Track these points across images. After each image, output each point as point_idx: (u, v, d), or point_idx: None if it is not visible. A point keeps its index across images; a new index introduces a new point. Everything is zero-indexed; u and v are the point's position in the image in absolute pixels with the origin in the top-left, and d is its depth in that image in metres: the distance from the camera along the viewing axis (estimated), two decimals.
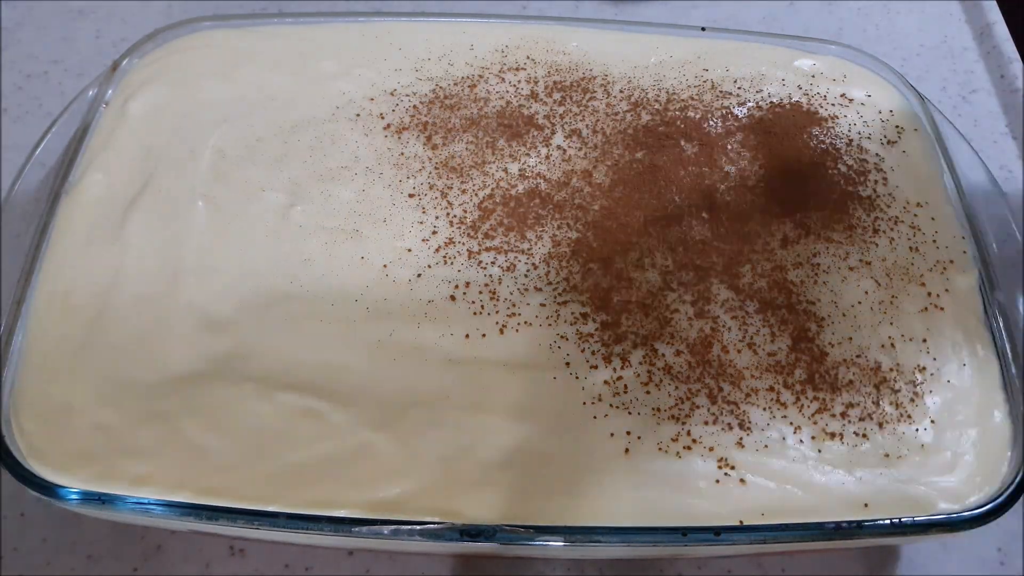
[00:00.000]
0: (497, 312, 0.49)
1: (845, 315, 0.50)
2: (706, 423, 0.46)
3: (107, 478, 0.43)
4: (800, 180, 0.55)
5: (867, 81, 0.62)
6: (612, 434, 0.45)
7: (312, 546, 0.52)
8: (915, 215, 0.54)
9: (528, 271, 0.51)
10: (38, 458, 0.43)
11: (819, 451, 0.45)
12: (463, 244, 0.52)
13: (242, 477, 0.43)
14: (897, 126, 0.59)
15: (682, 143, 0.57)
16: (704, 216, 0.53)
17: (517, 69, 0.61)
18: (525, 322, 0.49)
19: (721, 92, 0.60)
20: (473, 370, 0.47)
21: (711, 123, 0.58)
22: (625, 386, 0.47)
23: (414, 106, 0.59)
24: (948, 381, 0.48)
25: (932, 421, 0.46)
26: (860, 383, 0.47)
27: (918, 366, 0.48)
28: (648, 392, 0.46)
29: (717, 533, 0.42)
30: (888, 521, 0.43)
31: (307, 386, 0.46)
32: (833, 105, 0.60)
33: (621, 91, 0.60)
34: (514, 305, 0.49)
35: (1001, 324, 0.50)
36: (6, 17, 0.79)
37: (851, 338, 0.49)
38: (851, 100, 0.61)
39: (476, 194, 0.54)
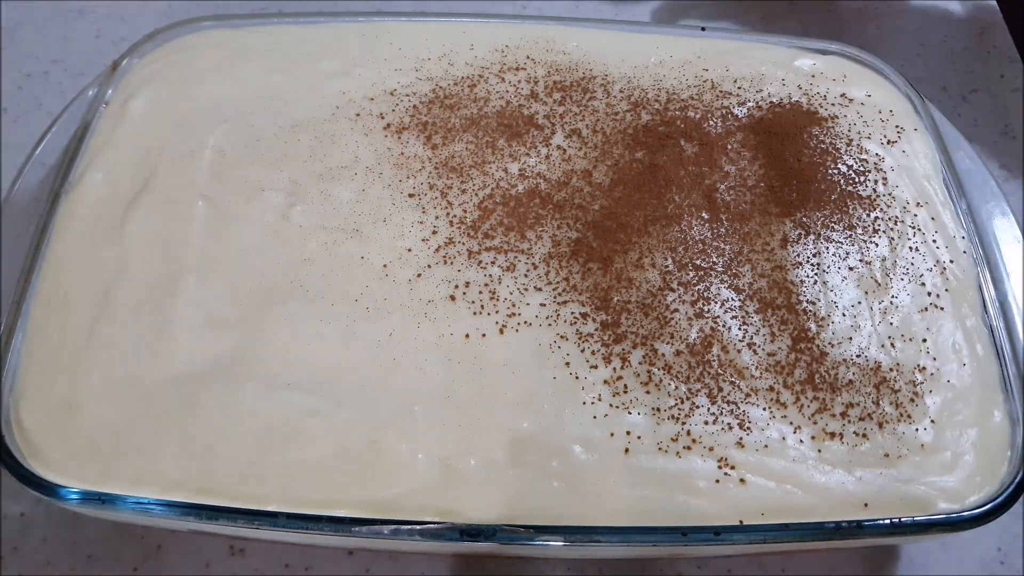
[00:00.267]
0: (497, 312, 0.49)
1: (845, 315, 0.50)
2: (706, 423, 0.46)
3: (107, 478, 0.43)
4: (800, 180, 0.55)
5: (867, 81, 0.62)
6: (612, 434, 0.45)
7: (312, 546, 0.52)
8: (915, 215, 0.54)
9: (528, 271, 0.51)
10: (38, 458, 0.43)
11: (819, 451, 0.45)
12: (463, 244, 0.52)
13: (242, 477, 0.43)
14: (897, 126, 0.59)
15: (682, 143, 0.57)
16: (704, 216, 0.53)
17: (517, 69, 0.61)
18: (525, 322, 0.49)
19: (721, 92, 0.60)
20: (473, 370, 0.47)
21: (711, 123, 0.58)
22: (625, 386, 0.47)
23: (414, 106, 0.59)
24: (948, 381, 0.48)
25: (932, 421, 0.46)
26: (860, 383, 0.47)
27: (918, 366, 0.48)
28: (648, 392, 0.46)
29: (717, 533, 0.42)
30: (888, 521, 0.43)
31: (307, 386, 0.46)
32: (833, 105, 0.60)
33: (621, 91, 0.60)
34: (514, 305, 0.49)
35: (1001, 324, 0.50)
36: (6, 17, 0.79)
37: (851, 338, 0.49)
38: (851, 100, 0.61)
39: (476, 194, 0.54)
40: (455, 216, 0.53)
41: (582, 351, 0.48)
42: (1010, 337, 0.49)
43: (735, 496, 0.43)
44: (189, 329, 0.47)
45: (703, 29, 0.65)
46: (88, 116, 0.56)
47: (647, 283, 0.50)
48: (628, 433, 0.45)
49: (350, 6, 0.78)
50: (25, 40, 0.78)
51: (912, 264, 0.52)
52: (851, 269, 0.52)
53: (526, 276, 0.50)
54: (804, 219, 0.54)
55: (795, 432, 0.46)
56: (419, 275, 0.50)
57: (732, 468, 0.44)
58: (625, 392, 0.46)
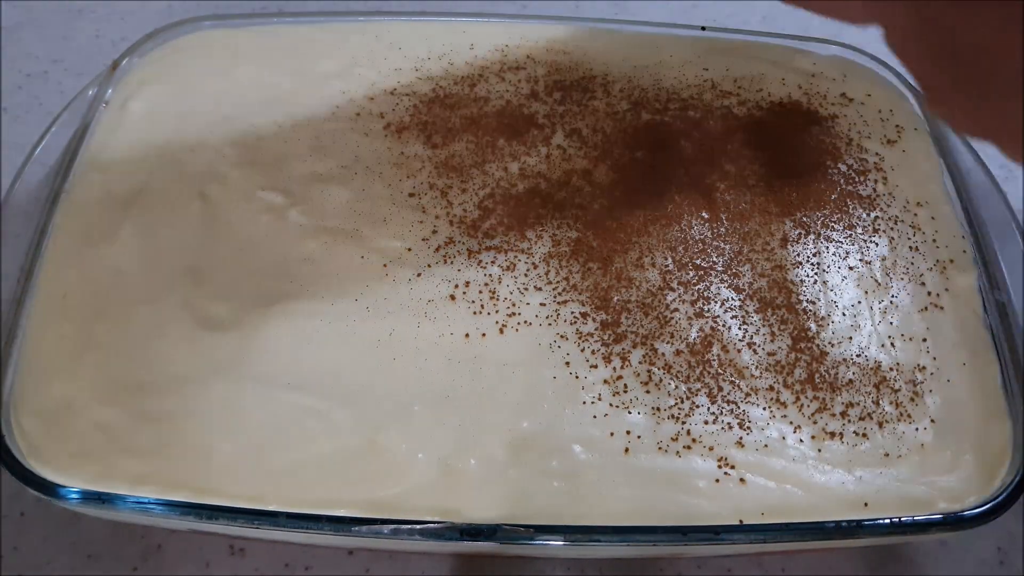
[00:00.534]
0: (497, 312, 0.49)
1: (845, 315, 0.50)
2: (706, 423, 0.46)
3: (107, 477, 0.43)
4: (800, 180, 0.55)
5: (867, 81, 0.62)
6: (612, 433, 0.45)
7: (312, 546, 0.52)
8: (915, 215, 0.54)
9: (528, 270, 0.51)
10: (38, 458, 0.43)
11: (819, 451, 0.45)
12: (463, 243, 0.52)
13: (242, 476, 0.43)
14: (897, 126, 0.59)
15: (682, 143, 0.57)
16: (704, 215, 0.53)
17: (517, 68, 0.61)
18: (525, 322, 0.49)
19: (721, 92, 0.60)
20: (473, 370, 0.47)
21: (711, 123, 0.58)
22: (625, 385, 0.47)
23: (414, 105, 0.59)
24: (948, 381, 0.48)
25: (932, 421, 0.46)
26: (860, 382, 0.47)
27: (918, 366, 0.48)
28: (648, 391, 0.46)
29: (717, 533, 0.42)
30: (888, 521, 0.43)
31: (307, 386, 0.46)
32: (833, 105, 0.60)
33: (621, 90, 0.60)
34: (514, 305, 0.49)
35: (1001, 324, 0.50)
36: (6, 17, 0.79)
37: (851, 338, 0.49)
38: (851, 100, 0.61)
39: (476, 193, 0.54)
40: (455, 216, 0.53)
41: (582, 351, 0.48)
42: (1010, 337, 0.49)
43: (735, 496, 0.43)
44: (188, 328, 0.47)
45: (703, 29, 0.65)
46: (88, 116, 0.56)
47: (647, 283, 0.50)
48: (628, 433, 0.45)
49: (350, 6, 0.78)
50: (25, 40, 0.78)
51: (912, 264, 0.52)
52: (851, 269, 0.52)
53: (526, 276, 0.50)
54: (804, 219, 0.54)
55: (795, 432, 0.46)
56: (419, 275, 0.50)
57: (732, 468, 0.44)
58: (625, 392, 0.46)
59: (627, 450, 0.45)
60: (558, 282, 0.50)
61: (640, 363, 0.47)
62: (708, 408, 0.46)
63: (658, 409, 0.46)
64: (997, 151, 0.28)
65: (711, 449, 0.45)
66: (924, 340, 0.49)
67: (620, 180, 0.55)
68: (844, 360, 0.48)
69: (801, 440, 0.45)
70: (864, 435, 0.46)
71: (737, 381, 0.47)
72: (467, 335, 0.48)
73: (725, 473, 0.44)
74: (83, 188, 0.53)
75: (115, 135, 0.56)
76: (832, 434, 0.46)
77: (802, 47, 0.64)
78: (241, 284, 0.49)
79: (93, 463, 0.43)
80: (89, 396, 0.45)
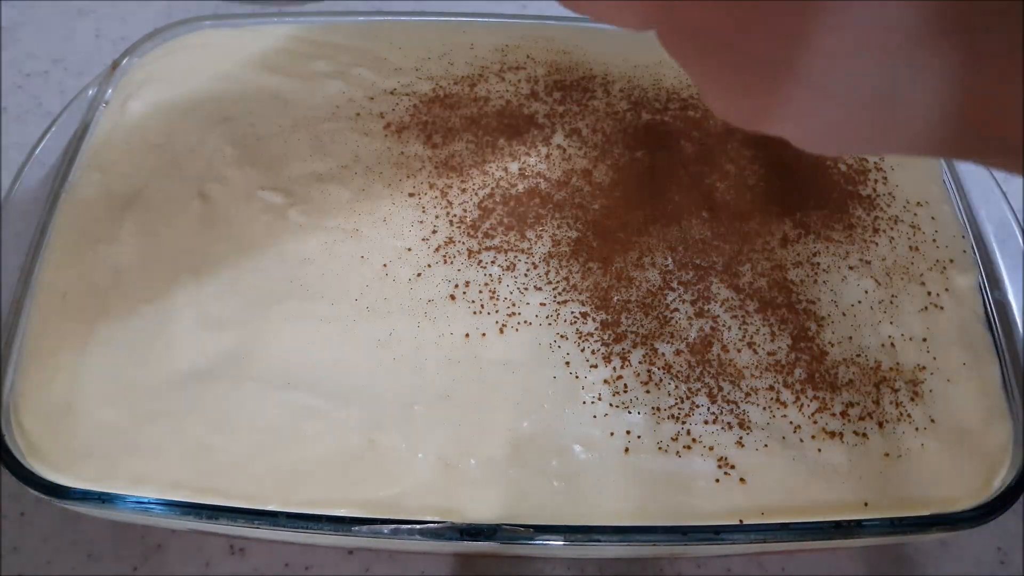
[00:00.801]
0: (497, 312, 0.49)
1: (845, 315, 0.50)
2: (706, 422, 0.46)
3: (107, 477, 0.43)
4: (800, 180, 0.55)
5: None
6: (612, 433, 0.45)
7: (312, 545, 0.52)
8: (915, 214, 0.54)
9: (528, 270, 0.51)
10: (38, 457, 0.43)
11: (819, 450, 0.45)
12: (463, 243, 0.52)
13: (242, 476, 0.43)
14: None
15: (682, 143, 0.57)
16: (704, 215, 0.53)
17: (517, 68, 0.61)
18: (525, 322, 0.49)
19: None
20: (473, 370, 0.47)
21: (711, 123, 0.58)
22: (625, 385, 0.47)
23: (414, 105, 0.59)
24: (948, 381, 0.48)
25: (932, 420, 0.46)
26: (860, 382, 0.47)
27: (918, 366, 0.48)
28: (648, 391, 0.46)
29: (717, 533, 0.42)
30: (888, 521, 0.43)
31: (307, 386, 0.46)
32: None
33: (621, 90, 0.60)
34: (514, 305, 0.49)
35: (1001, 324, 0.50)
36: (6, 17, 0.79)
37: (851, 338, 0.49)
38: None
39: (476, 193, 0.54)
40: (455, 215, 0.53)
41: (582, 351, 0.48)
42: (1010, 337, 0.49)
43: (735, 496, 0.43)
44: (189, 328, 0.47)
45: None
46: (88, 116, 0.56)
47: (647, 282, 0.50)
48: (628, 433, 0.45)
49: (350, 6, 0.78)
50: (25, 40, 0.78)
51: (912, 264, 0.52)
52: (851, 269, 0.52)
53: (526, 275, 0.50)
54: (804, 219, 0.54)
55: (795, 431, 0.46)
56: (419, 274, 0.50)
57: (732, 468, 0.44)
58: (625, 392, 0.46)
59: (627, 450, 0.45)
60: (558, 282, 0.50)
61: (640, 363, 0.47)
62: (708, 408, 0.46)
63: (658, 409, 0.46)
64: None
65: (711, 449, 0.45)
66: (924, 340, 0.49)
67: (620, 180, 0.55)
68: (844, 360, 0.48)
69: (801, 440, 0.45)
70: (864, 435, 0.46)
71: (737, 381, 0.47)
72: (467, 335, 0.48)
73: (725, 473, 0.44)
74: (83, 188, 0.53)
75: (115, 135, 0.56)
76: (832, 434, 0.46)
77: None
78: (241, 284, 0.49)
79: (93, 463, 0.43)
80: (89, 396, 0.45)
